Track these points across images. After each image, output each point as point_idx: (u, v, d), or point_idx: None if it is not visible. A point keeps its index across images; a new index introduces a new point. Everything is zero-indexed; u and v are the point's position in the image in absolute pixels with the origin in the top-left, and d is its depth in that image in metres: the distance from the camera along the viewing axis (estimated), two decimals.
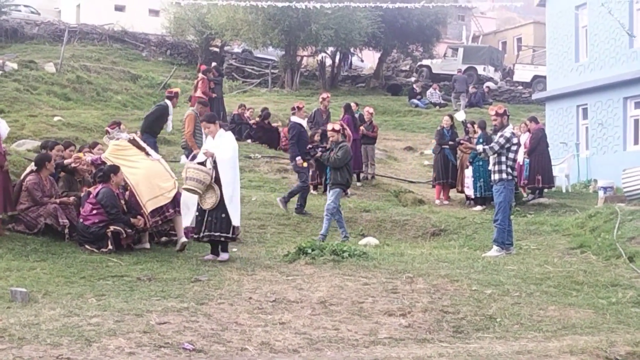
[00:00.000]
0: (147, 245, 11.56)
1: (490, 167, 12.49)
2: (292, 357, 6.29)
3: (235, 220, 10.82)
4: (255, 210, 14.91)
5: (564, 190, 20.01)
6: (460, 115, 14.31)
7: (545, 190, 18.57)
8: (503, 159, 12.16)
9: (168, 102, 17.48)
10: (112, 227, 10.98)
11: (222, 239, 10.85)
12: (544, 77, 31.09)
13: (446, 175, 18.10)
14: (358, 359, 6.13)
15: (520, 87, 40.00)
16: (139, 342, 6.35)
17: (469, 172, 17.47)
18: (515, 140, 12.31)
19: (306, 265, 10.40)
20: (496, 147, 12.16)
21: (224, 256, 10.89)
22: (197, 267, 10.29)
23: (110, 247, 10.93)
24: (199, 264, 10.56)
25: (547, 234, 13.69)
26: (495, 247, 12.02)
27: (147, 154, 11.92)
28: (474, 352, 6.43)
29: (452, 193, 18.62)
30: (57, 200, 11.52)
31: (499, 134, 12.40)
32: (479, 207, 16.94)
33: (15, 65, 28.24)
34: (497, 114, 12.59)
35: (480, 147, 12.81)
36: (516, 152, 12.43)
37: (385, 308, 8.25)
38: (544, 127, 19.73)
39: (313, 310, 8.12)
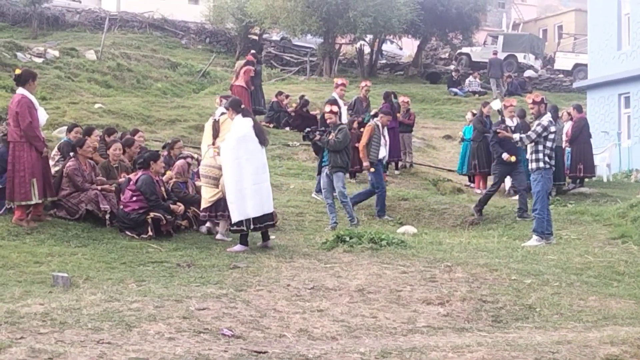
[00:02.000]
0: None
1: (528, 155, 12.36)
2: (330, 344, 6.30)
3: (233, 215, 10.51)
4: (294, 198, 14.93)
5: (605, 180, 19.78)
6: (496, 104, 14.18)
7: (587, 179, 18.38)
8: (540, 147, 11.98)
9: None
10: (152, 214, 11.07)
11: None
12: (585, 65, 30.72)
13: (488, 164, 17.98)
14: (396, 347, 6.11)
15: (561, 76, 39.52)
16: (178, 327, 6.39)
17: None
18: (552, 129, 12.08)
19: (344, 253, 10.41)
20: (533, 136, 12.01)
21: (235, 247, 10.74)
22: (235, 254, 10.34)
23: (150, 233, 11.01)
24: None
25: (587, 224, 13.54)
26: (535, 237, 11.92)
27: None
28: (512, 342, 6.39)
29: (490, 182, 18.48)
30: (99, 187, 11.63)
31: (536, 122, 12.25)
32: (517, 197, 16.77)
33: (56, 53, 28.57)
34: (534, 102, 12.41)
35: (517, 136, 12.68)
36: (554, 140, 12.21)
37: (423, 297, 8.23)
38: (585, 117, 19.51)
39: (351, 298, 8.12)
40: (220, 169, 10.94)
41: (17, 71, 11.21)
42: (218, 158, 11.00)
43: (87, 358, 5.20)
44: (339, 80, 16.54)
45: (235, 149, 10.47)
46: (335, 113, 13.57)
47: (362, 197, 14.77)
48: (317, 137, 13.33)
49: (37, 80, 11.81)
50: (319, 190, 15.04)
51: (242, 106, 10.97)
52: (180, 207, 11.49)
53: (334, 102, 14.15)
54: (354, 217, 13.27)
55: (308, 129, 14.18)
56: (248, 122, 10.65)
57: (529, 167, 12.30)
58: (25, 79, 10.90)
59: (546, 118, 12.11)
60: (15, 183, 10.65)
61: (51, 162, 12.47)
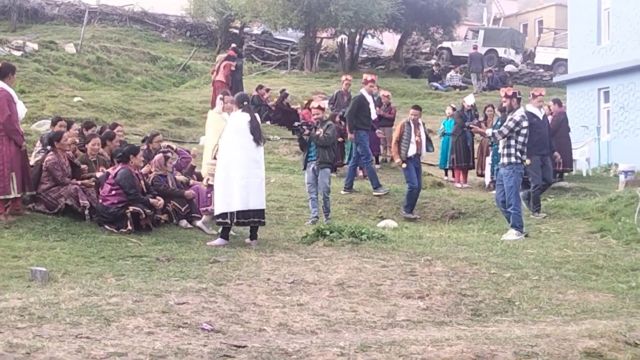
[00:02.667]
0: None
1: (500, 150, 12.35)
2: (309, 338, 6.29)
3: (217, 206, 10.56)
4: (274, 192, 14.91)
5: (584, 174, 19.88)
6: (469, 99, 14.14)
7: (566, 173, 18.46)
8: (512, 142, 11.97)
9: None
10: (131, 208, 11.02)
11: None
12: (566, 60, 30.84)
13: (467, 158, 18.08)
14: (376, 341, 6.11)
15: (542, 70, 39.67)
16: (157, 322, 6.37)
17: (488, 159, 17.44)
18: (525, 124, 12.04)
19: (324, 247, 10.41)
20: (505, 131, 11.99)
21: (214, 241, 10.75)
22: (215, 248, 10.31)
23: (129, 227, 10.97)
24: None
25: (566, 218, 13.61)
26: (514, 231, 11.96)
27: None
28: (492, 335, 6.40)
29: (472, 176, 18.56)
30: (78, 182, 11.56)
31: (509, 117, 12.22)
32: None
33: (35, 46, 28.37)
34: (506, 96, 12.38)
35: (489, 131, 12.67)
36: (526, 135, 12.13)
37: (403, 290, 8.24)
38: (565, 111, 19.59)
39: (331, 292, 8.12)
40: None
41: None
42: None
43: (65, 353, 5.16)
44: (368, 77, 16.16)
45: (228, 142, 10.52)
46: (322, 109, 13.70)
47: (408, 199, 14.66)
48: (307, 131, 13.28)
49: (16, 74, 11.70)
50: (377, 187, 15.42)
51: (245, 103, 10.93)
52: (159, 201, 11.45)
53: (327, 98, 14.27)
54: (330, 213, 13.28)
55: (298, 123, 14.07)
56: (245, 117, 10.64)
57: (501, 161, 12.27)
58: (4, 72, 10.81)
59: (518, 113, 12.10)
60: None
61: (33, 154, 12.41)
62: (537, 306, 7.85)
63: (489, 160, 17.44)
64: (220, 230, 10.86)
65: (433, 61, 39.56)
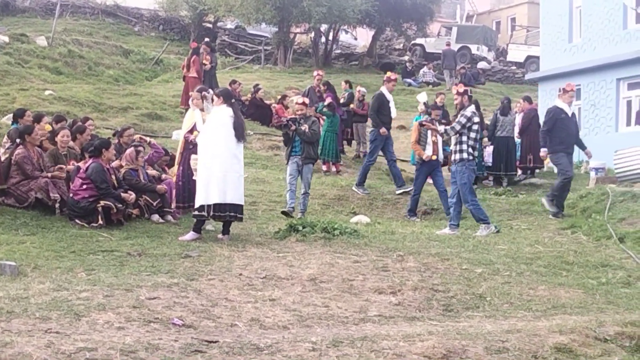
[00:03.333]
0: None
1: (452, 147, 12.34)
2: (281, 333, 6.28)
3: (197, 199, 10.47)
4: (247, 187, 14.79)
5: (555, 171, 19.99)
6: (421, 97, 14.04)
7: (537, 170, 18.59)
8: (464, 138, 11.95)
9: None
10: (102, 202, 10.94)
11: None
12: (537, 57, 31.05)
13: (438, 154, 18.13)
14: (348, 336, 6.12)
15: (514, 67, 39.93)
16: (128, 317, 6.33)
17: None
18: (476, 120, 12.03)
19: (297, 243, 10.40)
20: (457, 127, 11.98)
21: (186, 235, 10.65)
22: (187, 243, 10.26)
23: (100, 222, 10.89)
24: (190, 240, 10.53)
25: (538, 214, 13.71)
26: (482, 226, 12.01)
27: None
28: (463, 331, 6.43)
29: (444, 172, 18.60)
30: (49, 175, 11.46)
31: (460, 113, 12.20)
32: None
33: (6, 39, 28.05)
34: (457, 93, 12.32)
35: (441, 128, 12.65)
36: (477, 131, 12.13)
37: (375, 286, 8.25)
38: (536, 108, 19.72)
39: (303, 287, 8.11)
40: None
41: None
42: None
43: (34, 347, 5.12)
44: (392, 76, 16.13)
45: (210, 136, 10.45)
46: (306, 105, 13.74)
47: (445, 201, 14.05)
48: (293, 127, 13.26)
49: None
50: (360, 184, 15.43)
51: (233, 101, 10.86)
52: (131, 196, 11.38)
53: (305, 94, 14.19)
54: (306, 209, 13.30)
55: (286, 119, 14.03)
56: (228, 112, 10.54)
57: (452, 158, 12.25)
58: None
59: (469, 109, 12.08)
60: None
61: (1, 150, 12.26)
62: (508, 302, 7.89)
63: None
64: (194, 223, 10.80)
65: (406, 57, 39.66)
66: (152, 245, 9.95)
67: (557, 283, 8.71)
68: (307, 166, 13.41)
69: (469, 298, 8.01)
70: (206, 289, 7.67)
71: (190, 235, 10.59)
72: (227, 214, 10.51)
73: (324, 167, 18.19)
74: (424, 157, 14.10)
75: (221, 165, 10.36)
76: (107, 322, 6.13)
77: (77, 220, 10.93)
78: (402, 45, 43.43)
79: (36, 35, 30.54)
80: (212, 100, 11.06)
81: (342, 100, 19.90)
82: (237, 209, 10.57)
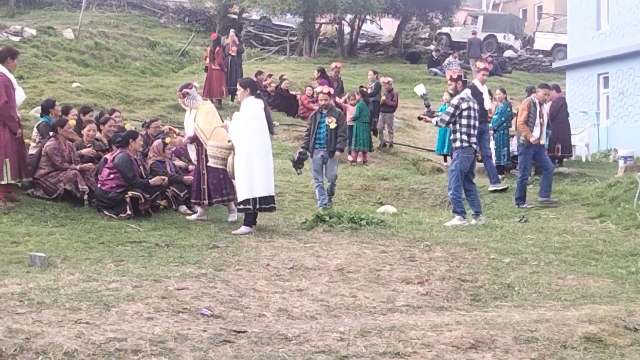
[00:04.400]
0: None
1: (451, 136, 12.10)
2: (309, 323, 6.29)
3: (240, 193, 10.44)
4: (274, 178, 14.86)
5: (583, 160, 19.89)
6: (419, 89, 13.77)
7: (565, 159, 18.46)
8: (457, 126, 11.58)
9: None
10: (130, 193, 11.01)
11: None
12: (565, 45, 30.81)
13: None
14: (375, 326, 6.11)
15: (541, 56, 39.63)
16: (157, 307, 6.36)
17: (491, 144, 17.43)
18: (464, 106, 11.52)
19: (324, 233, 10.40)
20: (446, 118, 11.62)
21: (239, 229, 10.55)
22: (215, 234, 10.31)
23: (128, 212, 10.96)
24: (217, 231, 10.58)
25: (566, 203, 13.61)
26: (456, 217, 11.69)
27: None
28: (491, 320, 6.40)
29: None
30: (77, 167, 11.54)
31: (451, 101, 11.94)
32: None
33: (34, 32, 28.29)
34: (451, 79, 12.08)
35: (434, 120, 12.30)
36: (469, 117, 11.54)
37: (402, 276, 8.23)
38: (564, 96, 19.57)
39: (330, 277, 8.11)
40: (228, 149, 10.82)
41: None
42: (227, 137, 10.83)
43: (64, 338, 5.16)
44: (480, 64, 15.71)
45: (247, 127, 10.36)
46: (330, 94, 13.43)
47: (520, 190, 13.82)
48: (332, 122, 12.86)
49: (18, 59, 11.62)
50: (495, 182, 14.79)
51: (259, 92, 10.86)
52: (162, 179, 11.42)
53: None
54: (333, 195, 13.29)
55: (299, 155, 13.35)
56: (259, 104, 10.52)
57: (453, 146, 12.03)
58: (4, 56, 10.71)
59: (457, 96, 11.74)
60: None
61: (32, 144, 12.37)
62: (536, 291, 7.84)
63: (492, 145, 17.41)
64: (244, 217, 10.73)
65: (432, 47, 39.50)
66: (180, 236, 10.00)
67: (586, 272, 8.64)
68: (332, 160, 13.05)
69: (497, 288, 7.97)
70: (234, 280, 7.69)
71: (244, 229, 10.50)
72: (271, 205, 10.53)
73: (350, 158, 18.20)
74: (530, 140, 13.50)
75: (262, 158, 10.35)
76: (136, 312, 6.17)
77: (105, 212, 11.00)
78: (427, 34, 43.24)
79: (63, 28, 30.73)
80: (193, 97, 11.24)
81: (369, 91, 19.87)
82: (273, 199, 10.64)
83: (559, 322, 6.31)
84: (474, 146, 11.68)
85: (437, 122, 12.03)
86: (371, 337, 5.75)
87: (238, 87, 10.88)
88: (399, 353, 5.41)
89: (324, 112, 13.08)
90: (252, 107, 10.46)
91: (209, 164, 11.19)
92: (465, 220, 11.60)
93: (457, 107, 11.54)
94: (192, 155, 11.86)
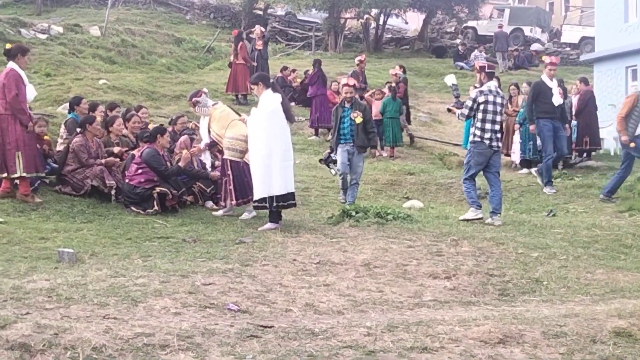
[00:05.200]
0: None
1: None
2: (336, 318, 6.28)
3: (257, 191, 10.24)
4: (299, 173, 14.87)
5: (612, 153, 19.70)
6: (449, 79, 13.51)
7: (593, 152, 18.31)
8: (474, 120, 11.25)
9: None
10: (157, 189, 11.06)
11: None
12: (592, 38, 30.54)
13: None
14: (402, 321, 6.09)
15: (568, 49, 39.28)
16: (184, 302, 6.38)
17: (516, 138, 17.35)
18: (482, 99, 11.14)
19: (350, 228, 10.37)
20: (465, 112, 11.33)
21: (265, 225, 10.48)
22: (241, 229, 10.32)
23: (156, 208, 11.01)
24: (244, 226, 10.59)
25: (594, 197, 13.50)
26: (470, 209, 11.40)
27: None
28: (519, 315, 6.36)
29: None
30: (103, 161, 11.60)
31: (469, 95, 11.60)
32: (524, 170, 16.77)
33: (60, 29, 28.47)
34: (476, 70, 11.65)
35: (458, 112, 11.97)
36: (487, 111, 11.15)
37: (429, 271, 8.20)
38: (592, 89, 19.40)
39: (357, 272, 8.10)
40: (245, 140, 10.68)
41: (8, 45, 11.17)
42: (244, 129, 10.73)
43: (93, 333, 5.18)
44: (548, 59, 15.05)
45: (266, 123, 10.18)
46: (355, 87, 13.15)
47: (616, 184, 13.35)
48: (358, 116, 12.49)
49: (30, 56, 11.69)
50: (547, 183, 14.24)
51: (272, 81, 10.76)
52: (217, 175, 11.49)
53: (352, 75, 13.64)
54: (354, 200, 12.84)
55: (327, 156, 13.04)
56: (277, 97, 10.34)
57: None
58: (14, 53, 10.83)
59: (475, 90, 11.44)
60: (5, 156, 10.61)
61: (59, 140, 12.48)
62: (565, 286, 7.78)
63: (517, 139, 17.34)
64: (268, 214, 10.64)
65: (458, 40, 39.28)
66: (206, 232, 10.03)
67: (615, 266, 8.57)
68: (359, 155, 12.67)
69: (525, 282, 7.91)
70: (260, 275, 7.70)
71: (269, 225, 10.42)
72: (290, 202, 10.44)
73: (384, 153, 18.21)
74: (622, 139, 13.04)
75: (281, 155, 10.19)
76: (164, 307, 6.19)
77: (132, 207, 11.06)
78: (453, 28, 43.02)
79: (89, 25, 30.91)
80: (204, 104, 11.36)
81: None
82: (293, 196, 10.54)
83: (588, 317, 6.26)
84: (487, 142, 11.19)
85: (458, 115, 11.81)
86: (398, 332, 5.73)
87: (251, 86, 10.77)
88: (426, 348, 5.39)
89: (347, 105, 12.65)
90: (270, 103, 10.29)
91: (225, 156, 11.18)
92: (480, 212, 11.23)
93: (474, 100, 11.22)
94: (207, 162, 11.94)
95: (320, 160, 13.25)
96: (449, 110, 13.19)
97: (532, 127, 14.72)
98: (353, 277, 7.88)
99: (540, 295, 7.47)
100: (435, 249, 9.07)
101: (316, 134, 20.13)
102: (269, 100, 10.32)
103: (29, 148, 10.75)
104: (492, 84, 11.40)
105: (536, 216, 12.03)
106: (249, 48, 23.21)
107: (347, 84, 12.90)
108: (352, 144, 12.55)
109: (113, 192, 11.39)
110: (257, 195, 10.26)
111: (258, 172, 10.21)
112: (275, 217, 10.50)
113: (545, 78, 14.65)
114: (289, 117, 10.49)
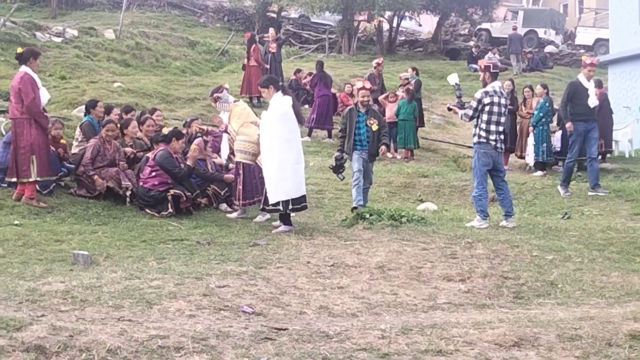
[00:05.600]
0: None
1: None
2: (350, 321, 6.28)
3: (271, 195, 10.17)
4: (313, 176, 14.91)
5: (627, 155, 19.63)
6: (452, 79, 13.43)
7: (608, 155, 18.25)
8: (478, 121, 11.07)
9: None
10: (172, 191, 11.09)
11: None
12: (607, 40, 30.41)
13: (506, 140, 17.92)
14: (417, 324, 6.08)
15: (582, 51, 39.09)
16: (199, 304, 6.39)
17: (530, 140, 17.31)
18: (487, 101, 10.94)
19: (364, 230, 10.37)
20: (470, 112, 11.12)
21: (279, 228, 10.48)
22: (255, 232, 10.33)
23: (170, 210, 11.04)
24: (258, 229, 10.60)
25: (609, 200, 13.44)
26: (476, 217, 11.17)
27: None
28: (534, 318, 6.34)
29: (512, 158, 18.40)
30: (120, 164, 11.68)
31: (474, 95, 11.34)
32: (539, 173, 16.75)
33: (75, 32, 28.61)
34: (480, 69, 11.49)
35: (460, 112, 11.88)
36: (492, 112, 10.94)
37: (444, 273, 8.19)
38: (606, 92, 19.34)
39: (371, 274, 8.09)
40: (257, 144, 10.69)
41: (19, 49, 11.15)
42: (256, 131, 10.74)
43: (107, 335, 5.20)
44: (587, 59, 14.60)
45: (277, 126, 10.15)
46: (372, 90, 13.02)
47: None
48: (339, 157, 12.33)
49: (41, 59, 11.74)
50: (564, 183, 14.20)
51: (282, 83, 10.76)
52: (231, 178, 11.54)
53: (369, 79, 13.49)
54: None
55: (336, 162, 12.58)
56: (288, 100, 10.31)
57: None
58: (26, 57, 10.84)
59: (481, 90, 11.24)
60: (17, 160, 10.65)
61: (74, 143, 12.52)
62: (580, 289, 7.75)
63: (530, 141, 17.30)
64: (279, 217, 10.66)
65: (472, 43, 39.23)
66: (220, 234, 10.04)
67: (630, 269, 8.52)
68: (372, 163, 12.62)
69: (540, 285, 7.89)
70: (275, 277, 7.70)
71: (283, 228, 10.41)
72: (302, 204, 10.42)
73: (398, 155, 18.19)
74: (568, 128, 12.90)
75: (293, 158, 10.16)
76: (178, 310, 6.20)
77: (147, 210, 11.11)
78: (467, 30, 42.98)
79: (104, 28, 31.05)
80: (225, 100, 11.32)
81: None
82: (305, 198, 10.53)
83: (603, 320, 6.23)
84: (492, 143, 11.02)
85: (462, 116, 11.51)
86: (413, 335, 5.73)
87: (260, 90, 10.79)
88: (441, 351, 5.38)
89: (361, 109, 12.39)
90: (280, 106, 10.24)
91: (236, 159, 11.21)
92: (485, 222, 10.99)
93: (479, 101, 11.02)
94: (224, 154, 11.96)
95: (330, 167, 13.07)
96: (449, 109, 13.05)
97: (568, 125, 14.25)
98: (367, 280, 7.87)
99: (555, 298, 7.44)
100: (449, 252, 9.05)
101: (309, 134, 19.89)
102: (280, 103, 10.30)
103: (43, 152, 10.79)
104: (497, 84, 11.26)
105: (551, 219, 11.98)
106: (262, 51, 23.25)
107: (363, 87, 12.64)
108: (367, 151, 12.34)
109: (128, 193, 11.43)
110: (272, 199, 10.19)
111: (271, 176, 10.17)
112: (286, 221, 10.49)
113: (582, 78, 14.30)
114: (300, 120, 10.49)
